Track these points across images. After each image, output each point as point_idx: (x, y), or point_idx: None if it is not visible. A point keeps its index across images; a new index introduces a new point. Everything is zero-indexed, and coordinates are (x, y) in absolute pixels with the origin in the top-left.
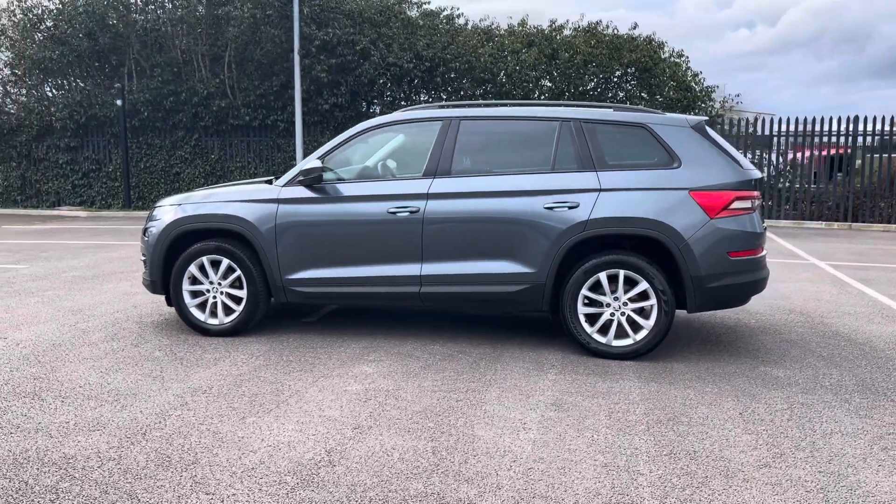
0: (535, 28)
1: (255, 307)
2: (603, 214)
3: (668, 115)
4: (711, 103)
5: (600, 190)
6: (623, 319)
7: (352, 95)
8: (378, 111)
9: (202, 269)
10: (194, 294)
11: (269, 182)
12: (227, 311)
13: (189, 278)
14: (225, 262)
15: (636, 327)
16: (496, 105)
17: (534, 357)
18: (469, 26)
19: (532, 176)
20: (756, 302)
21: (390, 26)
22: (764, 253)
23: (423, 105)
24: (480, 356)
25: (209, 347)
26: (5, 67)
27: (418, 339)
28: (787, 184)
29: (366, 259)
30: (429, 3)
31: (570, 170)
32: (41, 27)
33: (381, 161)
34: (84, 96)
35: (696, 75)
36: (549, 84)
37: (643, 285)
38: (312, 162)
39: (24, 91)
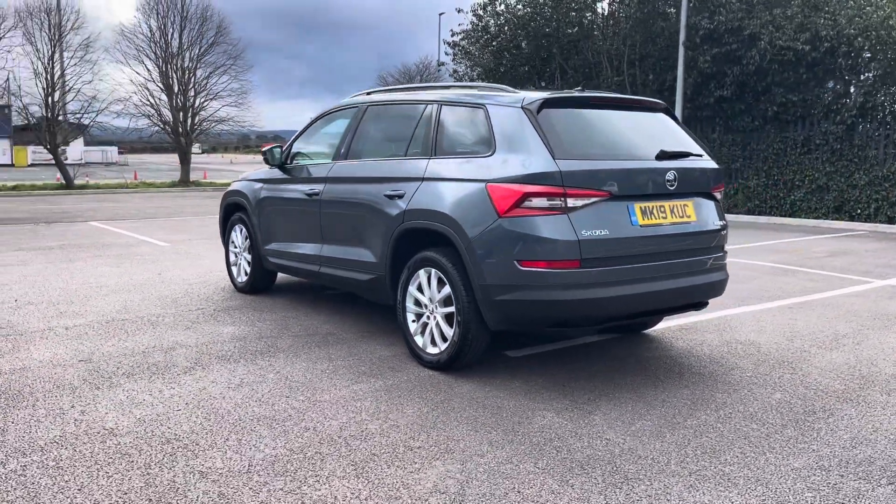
0: None
1: (256, 272)
2: (415, 206)
3: (517, 94)
4: None
5: (423, 179)
6: (433, 324)
7: (739, 87)
8: (767, 107)
9: (237, 235)
10: (235, 255)
11: None
12: (246, 272)
13: (232, 242)
14: (244, 230)
15: (446, 336)
16: (413, 89)
17: (377, 352)
18: None
19: (383, 162)
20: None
21: (790, 4)
22: (594, 269)
23: (366, 91)
24: (337, 339)
25: (215, 298)
26: (478, 78)
27: (334, 316)
28: None
29: (296, 236)
30: None
31: (414, 156)
32: (493, 43)
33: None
34: None
35: None
36: None
37: (447, 289)
38: (272, 145)
39: None
